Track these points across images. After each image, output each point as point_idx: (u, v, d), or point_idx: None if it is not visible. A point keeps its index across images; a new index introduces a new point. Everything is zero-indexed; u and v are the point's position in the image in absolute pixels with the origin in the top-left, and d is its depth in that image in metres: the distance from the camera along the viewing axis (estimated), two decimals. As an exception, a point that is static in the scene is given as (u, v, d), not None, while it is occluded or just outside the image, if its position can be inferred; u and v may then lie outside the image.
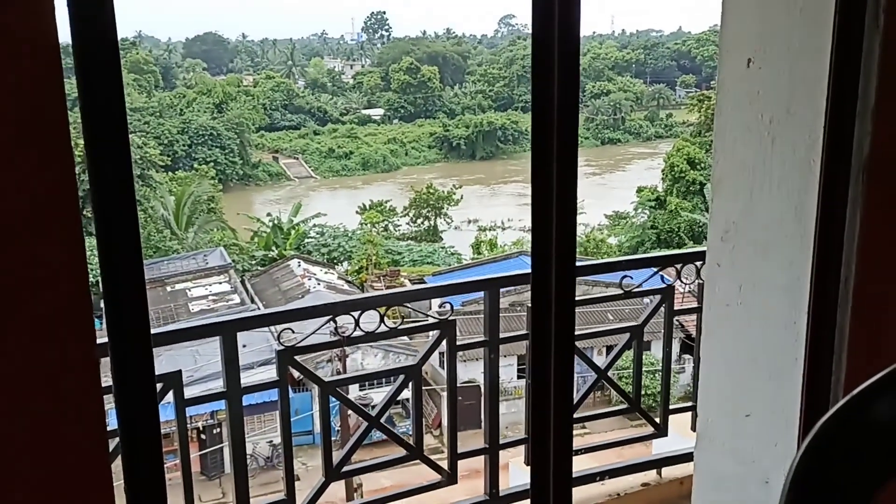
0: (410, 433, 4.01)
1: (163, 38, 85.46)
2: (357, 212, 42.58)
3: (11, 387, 1.47)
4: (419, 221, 44.08)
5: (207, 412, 18.52)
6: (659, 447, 4.55)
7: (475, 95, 68.80)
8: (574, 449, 2.51)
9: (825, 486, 0.80)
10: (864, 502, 0.79)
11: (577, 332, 2.38)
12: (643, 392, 4.35)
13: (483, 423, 3.99)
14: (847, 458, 0.80)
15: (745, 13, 2.32)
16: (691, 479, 2.81)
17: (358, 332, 3.49)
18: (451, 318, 3.73)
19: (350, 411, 4.14)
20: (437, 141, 62.11)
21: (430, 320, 3.82)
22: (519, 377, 18.37)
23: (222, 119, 54.40)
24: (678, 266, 4.10)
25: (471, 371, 15.31)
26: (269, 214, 39.67)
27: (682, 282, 4.09)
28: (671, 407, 4.36)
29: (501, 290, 3.74)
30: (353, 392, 14.55)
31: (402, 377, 3.75)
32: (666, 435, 4.29)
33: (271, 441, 18.63)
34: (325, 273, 30.85)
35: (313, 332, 3.53)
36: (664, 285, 4.11)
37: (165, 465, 1.83)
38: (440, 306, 3.82)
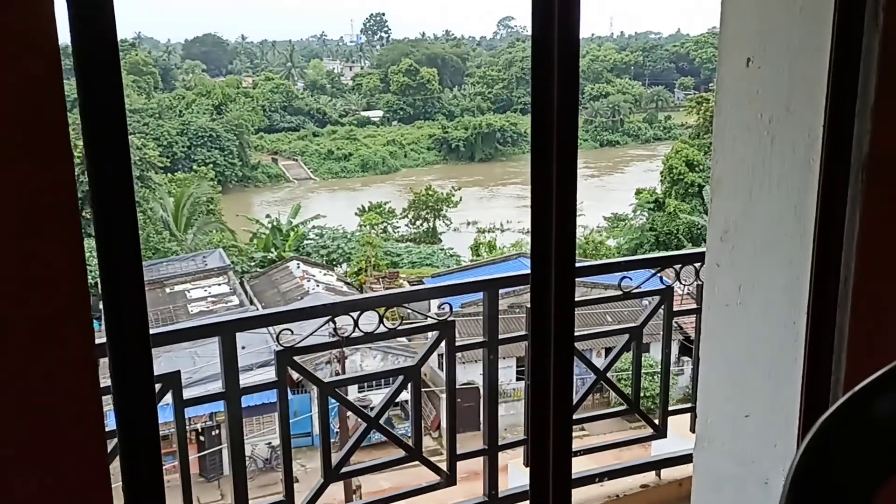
0: (409, 434, 4.00)
1: (162, 39, 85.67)
2: (356, 213, 42.58)
3: (10, 387, 1.47)
4: (418, 223, 44.08)
5: (206, 414, 18.50)
6: (658, 448, 4.55)
7: (474, 97, 68.84)
8: (573, 450, 2.50)
9: (826, 486, 0.80)
10: (865, 501, 0.79)
11: (576, 334, 2.38)
12: (642, 394, 4.35)
13: (482, 425, 3.99)
14: (847, 457, 0.80)
15: (744, 12, 2.32)
16: (690, 481, 2.80)
17: (357, 333, 3.48)
18: (450, 319, 3.73)
19: (349, 413, 4.13)
20: (436, 143, 62.14)
21: (429, 321, 3.81)
22: (518, 379, 18.37)
23: (221, 120, 54.41)
24: (677, 267, 4.10)
25: (470, 373, 15.31)
26: (268, 216, 39.68)
27: (681, 283, 4.09)
28: (670, 408, 4.36)
29: (500, 291, 3.74)
30: (352, 393, 14.54)
31: (401, 378, 3.74)
32: (665, 436, 4.29)
33: (270, 443, 18.61)
34: (324, 275, 30.85)
35: (312, 333, 3.52)
36: (663, 286, 4.11)
37: (164, 467, 1.83)
38: (439, 307, 3.82)
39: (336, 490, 4.00)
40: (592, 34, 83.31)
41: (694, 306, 4.23)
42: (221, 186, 47.78)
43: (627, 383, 4.40)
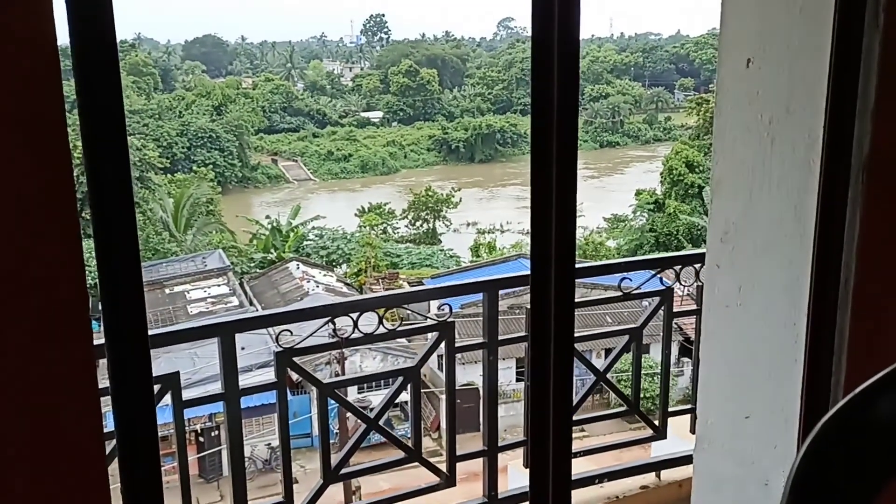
0: (409, 435, 4.00)
1: (162, 40, 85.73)
2: (356, 214, 42.61)
3: (9, 388, 1.46)
4: (418, 224, 44.09)
5: (205, 415, 18.50)
6: (658, 450, 4.54)
7: (474, 98, 68.88)
8: (573, 451, 2.50)
9: (826, 487, 0.79)
10: (865, 503, 0.79)
11: (575, 335, 2.38)
12: (642, 395, 4.35)
13: (482, 426, 3.98)
14: (848, 459, 0.80)
15: (744, 13, 2.32)
16: (690, 482, 2.80)
17: (356, 334, 3.48)
18: (450, 320, 3.73)
19: (349, 414, 4.13)
20: (435, 143, 62.15)
21: (429, 322, 3.81)
22: (518, 380, 18.37)
23: (221, 121, 54.42)
24: (677, 268, 4.10)
25: (469, 374, 15.33)
26: (267, 217, 39.69)
27: (681, 284, 4.08)
28: (670, 409, 4.36)
29: (500, 292, 3.74)
30: (352, 395, 14.54)
31: (400, 379, 3.74)
32: (665, 437, 4.28)
33: (269, 443, 18.61)
34: (324, 275, 30.85)
35: (312, 334, 3.52)
36: (663, 287, 4.10)
37: (163, 468, 1.82)
38: (439, 308, 3.81)
39: (335, 491, 4.00)
40: (592, 35, 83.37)
41: (694, 307, 4.23)
42: (221, 187, 47.77)
43: (627, 384, 4.40)
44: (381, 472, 3.91)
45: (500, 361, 3.78)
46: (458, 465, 3.84)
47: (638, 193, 40.47)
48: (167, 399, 3.23)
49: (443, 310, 3.77)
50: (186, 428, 3.39)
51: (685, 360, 20.35)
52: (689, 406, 4.39)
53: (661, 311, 4.15)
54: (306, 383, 4.12)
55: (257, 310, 24.69)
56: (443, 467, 3.82)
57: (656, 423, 4.27)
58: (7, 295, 1.43)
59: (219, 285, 27.84)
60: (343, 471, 3.67)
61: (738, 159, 2.38)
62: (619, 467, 4.14)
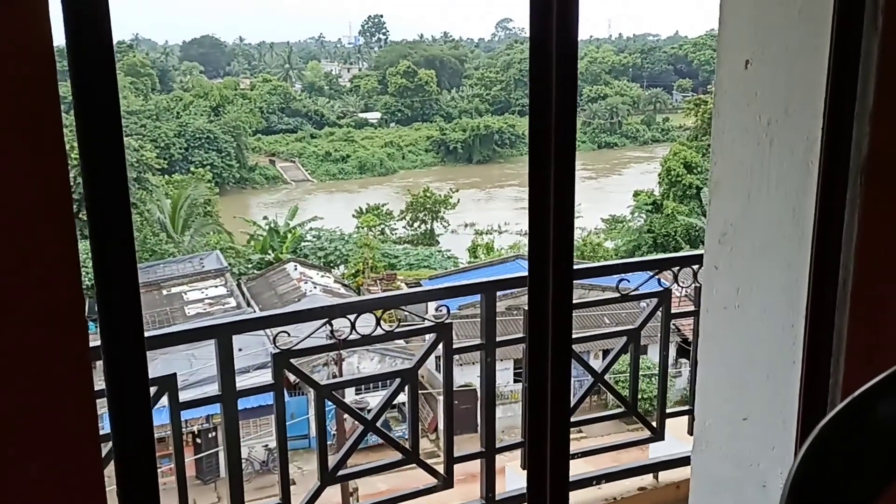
0: (406, 437, 4.00)
1: (159, 40, 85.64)
2: (354, 215, 42.62)
3: (4, 389, 1.46)
4: (416, 225, 44.09)
5: (203, 416, 18.47)
6: (655, 451, 4.54)
7: (472, 99, 68.87)
8: (570, 453, 2.50)
9: (825, 490, 0.79)
10: (865, 506, 0.78)
11: (573, 336, 2.37)
12: (640, 396, 4.35)
13: (479, 427, 3.98)
14: (847, 462, 0.79)
15: (743, 14, 2.32)
16: (688, 483, 2.80)
17: (354, 336, 3.48)
18: (448, 321, 3.72)
19: (346, 415, 4.13)
20: (434, 144, 62.15)
21: (427, 323, 3.81)
22: (515, 381, 18.38)
23: (219, 122, 54.38)
24: (675, 269, 4.10)
25: (467, 375, 15.31)
26: (265, 218, 39.67)
27: (679, 285, 4.08)
28: (668, 411, 4.36)
29: (498, 293, 3.74)
30: (349, 396, 14.53)
31: (398, 381, 3.74)
32: (663, 439, 4.28)
33: (266, 445, 18.60)
34: (322, 277, 30.84)
35: (309, 336, 3.51)
36: (661, 289, 4.10)
37: (160, 470, 1.82)
38: (437, 310, 3.81)
39: (333, 493, 4.00)
40: (591, 36, 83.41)
41: (692, 308, 4.23)
42: (219, 188, 47.74)
43: (625, 385, 4.39)
44: (379, 473, 3.90)
45: (497, 363, 3.78)
46: (456, 466, 3.84)
47: (636, 194, 40.50)
48: (164, 400, 3.22)
49: (440, 311, 3.76)
50: (183, 429, 3.38)
51: (683, 361, 20.39)
52: (686, 407, 4.39)
53: (658, 313, 4.15)
54: (304, 385, 4.12)
55: (255, 311, 24.68)
56: (440, 469, 3.82)
57: (654, 424, 4.27)
58: (3, 296, 1.42)
59: (216, 286, 27.82)
60: (340, 472, 3.67)
61: (736, 160, 2.38)
62: (616, 469, 4.14)
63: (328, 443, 3.75)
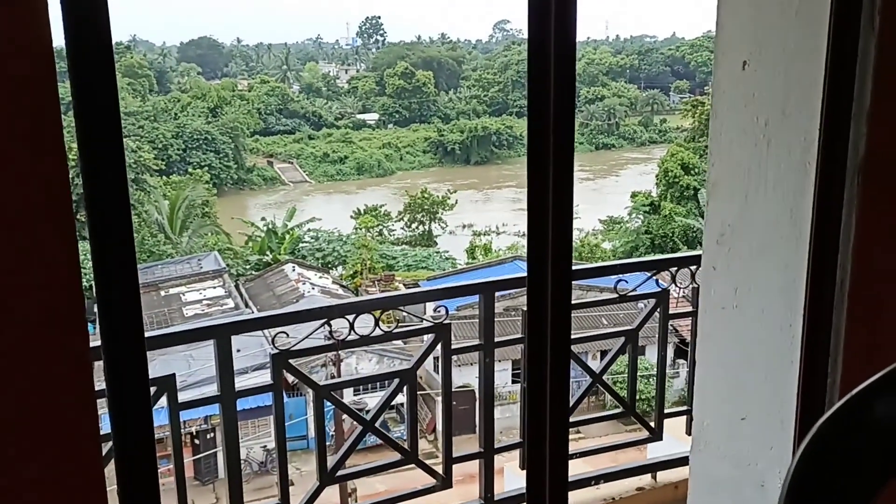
0: (405, 438, 4.00)
1: (157, 42, 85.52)
2: (352, 216, 42.60)
3: (4, 389, 1.46)
4: (414, 226, 44.07)
5: (201, 417, 18.47)
6: (653, 451, 4.55)
7: (470, 100, 68.87)
8: (569, 453, 2.50)
9: (823, 490, 0.80)
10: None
11: (571, 337, 2.38)
12: (638, 396, 4.35)
13: (478, 427, 3.98)
14: (845, 460, 0.80)
15: (740, 15, 2.32)
16: (686, 483, 2.80)
17: (353, 336, 3.48)
18: (446, 321, 3.72)
19: (344, 416, 4.13)
20: (431, 146, 62.14)
21: (425, 324, 3.81)
22: (513, 382, 18.37)
23: (217, 123, 54.33)
24: (673, 270, 4.10)
25: (465, 376, 15.28)
26: (263, 219, 39.62)
27: (676, 286, 4.09)
28: (666, 411, 4.36)
29: (496, 293, 3.74)
30: (348, 397, 14.53)
31: (396, 381, 3.74)
32: (661, 439, 4.29)
33: (265, 446, 18.59)
34: (320, 278, 30.81)
35: (308, 336, 3.52)
36: (659, 289, 4.11)
37: (159, 470, 1.82)
38: (435, 310, 3.81)
39: (331, 493, 4.00)
40: (588, 38, 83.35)
41: (689, 309, 4.23)
42: (217, 189, 47.68)
43: (623, 387, 4.40)
44: (378, 473, 3.90)
45: (495, 363, 3.79)
46: (454, 467, 3.84)
47: (633, 195, 40.51)
48: (163, 401, 3.22)
49: (439, 312, 3.77)
50: (182, 430, 3.38)
51: (680, 361, 20.38)
52: (684, 408, 4.40)
53: (656, 313, 4.15)
54: (302, 385, 4.12)
55: (253, 312, 24.66)
56: (439, 469, 3.82)
57: (652, 424, 4.28)
58: (3, 297, 1.43)
59: (214, 287, 27.79)
60: (339, 473, 3.67)
61: (734, 161, 2.38)
62: (615, 469, 4.14)
63: (326, 444, 3.75)
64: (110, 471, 1.81)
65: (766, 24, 2.24)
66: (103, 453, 1.79)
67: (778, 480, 2.32)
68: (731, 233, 2.43)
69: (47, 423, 1.50)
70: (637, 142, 65.59)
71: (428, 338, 3.80)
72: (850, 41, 1.99)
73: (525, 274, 2.26)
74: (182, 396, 3.33)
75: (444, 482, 3.81)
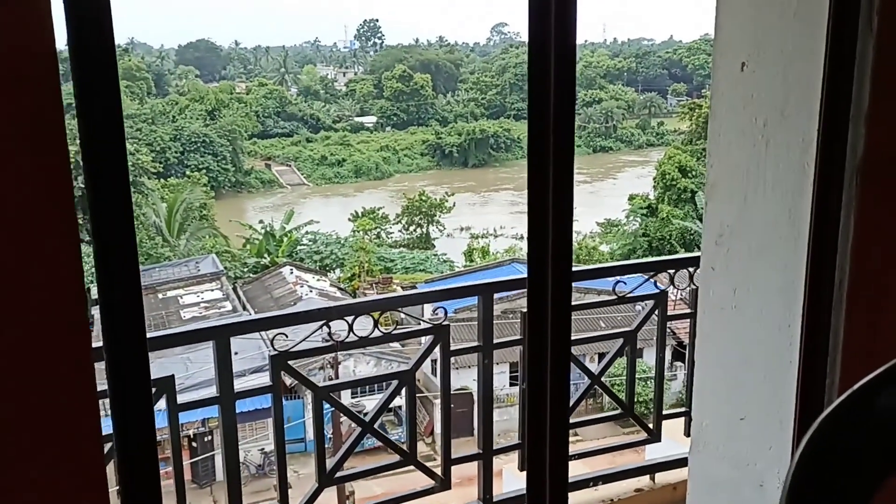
0: (403, 440, 4.00)
1: (155, 44, 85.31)
2: (349, 219, 42.59)
3: (7, 390, 1.46)
4: (411, 229, 44.07)
5: (199, 420, 18.45)
6: (652, 452, 4.55)
7: (468, 103, 68.87)
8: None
9: (824, 485, 0.80)
10: (864, 500, 0.79)
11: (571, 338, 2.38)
12: (636, 398, 4.35)
13: (476, 428, 3.98)
14: (846, 456, 0.80)
15: (739, 17, 2.33)
16: (684, 484, 2.80)
17: (351, 338, 3.48)
18: (445, 323, 3.72)
19: (343, 418, 4.13)
20: (429, 148, 62.15)
21: (424, 325, 3.81)
22: (511, 384, 18.37)
23: (215, 126, 54.32)
24: (671, 272, 4.10)
25: (463, 379, 15.30)
26: (261, 221, 39.62)
27: (675, 287, 4.09)
28: (664, 413, 4.36)
29: (495, 295, 3.74)
30: (346, 399, 14.52)
31: (395, 383, 3.74)
32: (659, 440, 4.29)
33: (263, 449, 18.56)
34: (318, 280, 30.81)
35: (306, 338, 3.52)
36: (657, 291, 4.11)
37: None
38: (433, 312, 3.81)
39: (329, 496, 3.99)
40: (586, 40, 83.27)
41: (688, 311, 4.24)
42: (214, 192, 47.70)
43: (621, 389, 4.40)
44: (377, 475, 3.90)
45: (494, 366, 3.79)
46: (453, 469, 3.84)
47: (631, 198, 40.56)
48: (162, 403, 3.22)
49: (437, 313, 3.77)
50: (180, 433, 3.38)
51: (678, 364, 20.38)
52: (682, 409, 4.40)
53: (654, 315, 4.16)
54: (300, 388, 4.12)
55: (251, 314, 24.64)
56: (438, 471, 3.82)
57: (650, 426, 4.28)
58: (6, 298, 1.43)
59: (212, 290, 27.78)
60: (338, 474, 3.67)
61: (732, 162, 2.39)
62: (613, 470, 4.14)
63: (325, 446, 3.75)
64: (110, 470, 1.81)
65: (765, 26, 2.25)
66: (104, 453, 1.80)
67: (777, 480, 2.33)
68: (729, 233, 2.44)
69: (49, 423, 1.51)
70: (634, 144, 65.62)
71: (426, 340, 3.80)
72: (849, 42, 2.00)
73: (524, 275, 2.27)
74: (180, 399, 3.33)
75: (443, 483, 3.81)
